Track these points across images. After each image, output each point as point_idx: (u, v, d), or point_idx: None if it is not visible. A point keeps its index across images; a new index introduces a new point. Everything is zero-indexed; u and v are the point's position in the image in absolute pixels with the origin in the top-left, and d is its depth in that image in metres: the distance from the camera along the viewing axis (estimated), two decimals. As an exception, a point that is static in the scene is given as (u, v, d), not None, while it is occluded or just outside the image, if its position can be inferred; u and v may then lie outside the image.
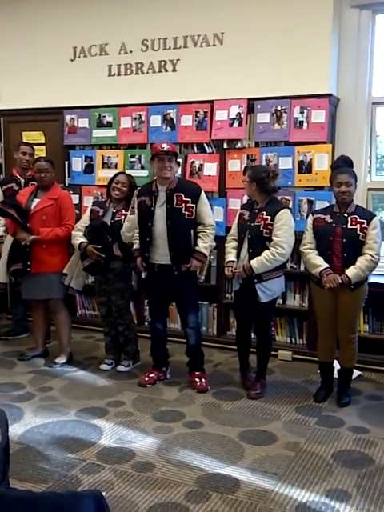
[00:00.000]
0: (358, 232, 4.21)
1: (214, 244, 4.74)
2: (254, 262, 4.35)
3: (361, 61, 5.32)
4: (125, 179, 4.98)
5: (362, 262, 4.20)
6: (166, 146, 4.54)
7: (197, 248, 4.57)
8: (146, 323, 6.08)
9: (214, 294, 5.78)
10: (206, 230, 4.61)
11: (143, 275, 4.85)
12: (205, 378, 4.84)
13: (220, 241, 5.02)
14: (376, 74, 5.40)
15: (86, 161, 6.22)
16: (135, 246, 4.75)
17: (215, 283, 5.77)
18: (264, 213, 4.41)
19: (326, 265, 4.27)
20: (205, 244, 4.58)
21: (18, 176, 5.81)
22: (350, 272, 4.19)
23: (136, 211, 4.73)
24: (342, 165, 4.41)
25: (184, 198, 4.55)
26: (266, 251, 4.34)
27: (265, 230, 4.37)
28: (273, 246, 4.34)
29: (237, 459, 3.58)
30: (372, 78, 5.40)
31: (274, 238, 4.34)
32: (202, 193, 4.66)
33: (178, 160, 4.94)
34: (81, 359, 5.46)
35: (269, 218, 4.37)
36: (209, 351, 5.40)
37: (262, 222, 4.39)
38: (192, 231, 4.59)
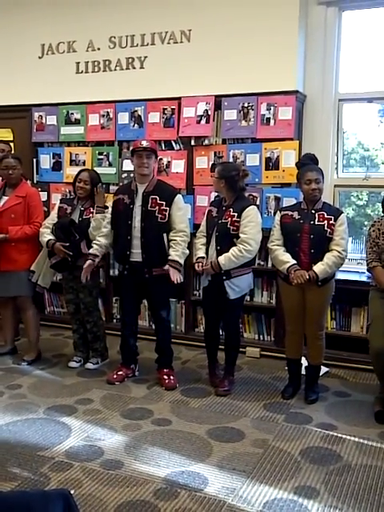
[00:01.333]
0: (326, 228, 4.24)
1: (187, 252, 4.68)
2: (222, 259, 4.36)
3: (327, 57, 5.36)
4: (86, 176, 4.95)
5: (329, 258, 4.24)
6: (144, 143, 4.54)
7: (170, 257, 4.55)
8: (115, 320, 6.08)
9: (183, 291, 5.78)
10: (177, 237, 4.57)
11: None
12: (173, 375, 4.85)
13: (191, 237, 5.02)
14: (342, 71, 5.44)
15: (54, 158, 6.18)
16: (92, 251, 4.71)
17: (183, 280, 5.76)
18: (231, 210, 4.42)
19: (294, 261, 4.30)
20: (177, 252, 4.55)
21: None
22: (318, 268, 4.22)
23: (111, 210, 4.71)
24: (309, 162, 4.43)
25: (158, 201, 4.55)
26: (234, 248, 4.35)
27: (232, 227, 4.38)
28: (240, 242, 4.35)
29: (205, 457, 3.59)
30: (338, 74, 5.44)
31: (241, 235, 4.36)
32: (178, 197, 4.64)
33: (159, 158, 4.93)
34: (49, 357, 5.43)
35: (236, 215, 4.39)
36: (177, 348, 5.41)
37: (230, 219, 4.40)
38: (165, 235, 4.58)
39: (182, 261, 4.59)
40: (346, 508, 3.07)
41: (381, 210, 4.32)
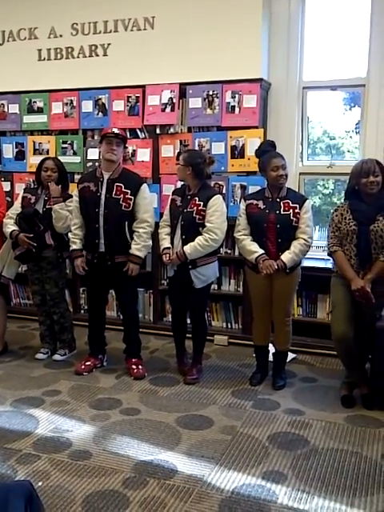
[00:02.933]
0: (291, 217, 4.26)
1: (149, 243, 4.68)
2: (188, 248, 4.36)
3: (291, 45, 5.36)
4: (52, 164, 4.89)
5: (296, 246, 4.26)
6: (115, 130, 4.53)
7: (130, 251, 4.54)
8: (82, 311, 6.04)
9: (150, 281, 5.76)
10: (140, 228, 4.56)
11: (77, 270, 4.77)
12: (141, 364, 4.84)
13: (155, 227, 4.99)
14: (306, 59, 5.45)
15: (16, 147, 6.10)
16: (75, 246, 4.67)
17: (151, 270, 5.76)
18: (196, 199, 4.41)
19: (262, 251, 4.31)
20: (138, 246, 4.55)
21: None
22: (285, 257, 4.25)
23: (76, 199, 4.66)
24: (271, 149, 4.44)
25: (123, 189, 4.52)
26: (199, 237, 4.35)
27: (198, 216, 4.38)
28: (206, 231, 4.35)
29: (174, 445, 3.60)
30: (303, 62, 5.44)
31: (207, 224, 4.35)
32: (144, 186, 4.62)
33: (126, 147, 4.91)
34: (16, 349, 5.39)
35: (201, 203, 4.38)
36: (145, 338, 5.40)
37: (195, 208, 4.39)
38: (127, 223, 4.56)
39: (142, 254, 4.59)
40: (313, 491, 3.11)
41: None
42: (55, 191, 4.82)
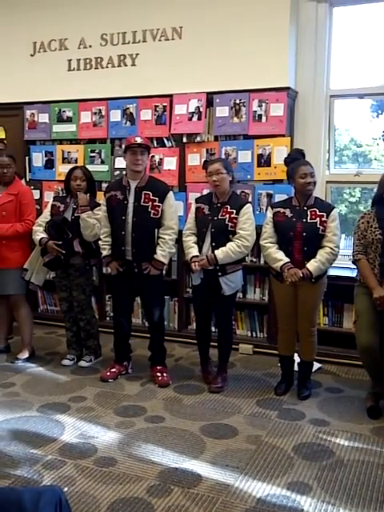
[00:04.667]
0: (318, 226, 4.25)
1: (174, 250, 4.75)
2: (219, 253, 4.37)
3: (318, 54, 5.36)
4: (81, 173, 4.93)
5: (322, 255, 4.25)
6: (139, 139, 4.54)
7: (155, 256, 4.58)
8: (108, 318, 6.08)
9: (176, 289, 5.78)
10: (165, 235, 4.60)
11: (105, 270, 4.81)
12: (166, 372, 4.86)
13: (181, 235, 5.00)
14: (334, 67, 5.45)
15: (46, 156, 6.17)
16: (105, 253, 4.72)
17: (176, 278, 5.78)
18: (228, 207, 4.43)
19: (287, 259, 4.30)
20: (163, 252, 4.59)
21: None
22: (311, 266, 4.23)
23: (105, 208, 4.71)
24: (299, 157, 4.44)
25: (151, 197, 4.55)
26: (231, 243, 4.37)
27: (230, 224, 4.40)
28: (238, 238, 4.37)
29: (198, 453, 3.61)
30: (330, 70, 5.44)
31: (239, 231, 4.38)
32: (170, 194, 4.65)
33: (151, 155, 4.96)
34: (43, 355, 5.44)
35: (234, 211, 4.40)
36: (170, 345, 5.41)
37: (227, 215, 4.41)
38: (156, 230, 4.60)
39: (165, 261, 4.64)
40: (339, 503, 3.09)
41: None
42: (83, 200, 4.86)
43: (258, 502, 3.09)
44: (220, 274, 4.44)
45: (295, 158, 4.44)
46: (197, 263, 4.46)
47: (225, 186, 4.47)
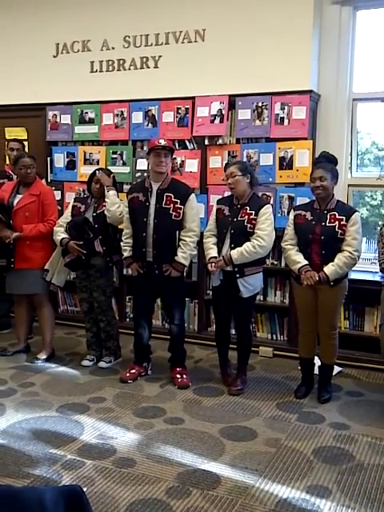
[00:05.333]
0: (337, 229, 4.23)
1: (195, 252, 4.78)
2: (234, 253, 4.37)
3: (341, 57, 5.35)
4: (102, 176, 4.97)
5: (340, 258, 4.22)
6: (163, 142, 4.56)
7: (176, 258, 4.58)
8: (128, 319, 6.09)
9: (196, 291, 5.79)
10: (187, 237, 4.60)
11: (126, 271, 4.83)
12: (186, 374, 4.86)
13: (201, 237, 5.00)
14: (356, 70, 5.43)
15: (68, 157, 6.21)
16: (126, 254, 4.74)
17: (196, 279, 5.78)
18: (247, 208, 4.43)
19: (305, 262, 4.29)
20: (184, 254, 4.59)
21: (10, 172, 5.78)
22: (328, 269, 4.21)
23: (127, 209, 4.72)
24: (322, 161, 4.43)
25: (173, 199, 4.56)
26: (247, 243, 4.37)
27: (249, 225, 4.39)
28: (254, 238, 4.36)
29: (217, 455, 3.60)
30: (353, 74, 5.43)
31: (256, 231, 4.37)
32: (192, 196, 4.65)
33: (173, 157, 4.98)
34: (62, 355, 5.45)
35: (253, 213, 4.40)
36: (190, 347, 5.41)
37: (246, 217, 4.41)
38: (178, 233, 4.60)
39: (186, 263, 4.64)
40: (359, 507, 3.07)
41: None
42: (107, 181, 4.90)
43: (277, 505, 3.07)
44: (238, 275, 4.43)
45: (319, 161, 4.43)
46: (214, 264, 4.47)
47: (240, 188, 4.47)
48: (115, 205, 4.85)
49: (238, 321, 4.71)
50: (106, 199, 4.88)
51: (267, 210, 4.42)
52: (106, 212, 4.87)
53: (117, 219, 4.88)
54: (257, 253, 4.37)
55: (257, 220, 4.39)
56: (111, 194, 4.88)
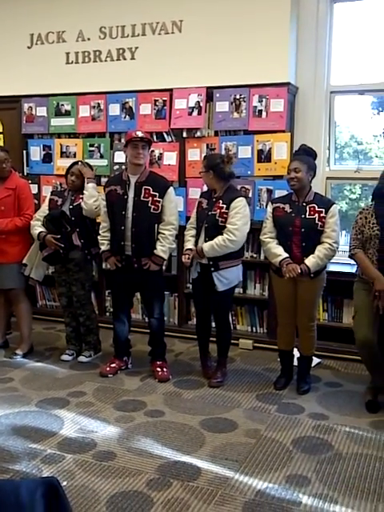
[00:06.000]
0: (317, 221, 4.24)
1: (174, 246, 4.77)
2: (206, 246, 4.38)
3: (319, 49, 5.35)
4: (78, 171, 4.94)
5: (320, 250, 4.24)
6: (140, 133, 4.54)
7: (155, 251, 4.57)
8: (108, 313, 6.07)
9: (175, 284, 5.78)
10: (165, 230, 4.59)
11: (105, 265, 4.81)
12: (166, 367, 4.85)
13: (181, 230, 4.99)
14: (334, 63, 5.43)
15: (44, 150, 6.15)
16: (104, 248, 4.71)
17: (176, 273, 5.77)
18: (220, 201, 4.43)
19: (286, 254, 4.30)
20: (163, 247, 4.58)
21: None
22: (309, 261, 4.23)
23: (104, 202, 4.70)
24: (301, 153, 4.44)
25: (152, 192, 4.54)
26: (218, 237, 4.36)
27: (220, 219, 4.39)
28: (225, 232, 4.35)
29: (198, 447, 3.61)
30: (330, 66, 5.42)
31: (227, 226, 4.36)
32: (170, 189, 4.64)
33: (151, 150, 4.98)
34: (42, 350, 5.43)
35: (224, 206, 4.40)
36: (170, 341, 5.41)
37: (218, 210, 4.41)
38: (156, 226, 4.59)
39: (165, 256, 4.63)
40: (337, 495, 3.09)
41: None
42: (88, 173, 4.87)
43: (256, 495, 3.09)
44: (213, 269, 4.43)
45: (297, 154, 4.46)
46: (187, 256, 4.50)
47: (207, 182, 4.56)
48: (93, 198, 4.82)
49: (215, 314, 4.72)
50: (84, 191, 4.85)
51: (238, 204, 4.39)
52: (82, 204, 4.84)
53: (92, 212, 4.86)
54: (227, 247, 4.36)
55: (228, 214, 4.39)
56: (90, 187, 4.85)
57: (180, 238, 5.02)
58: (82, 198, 4.86)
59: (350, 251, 4.19)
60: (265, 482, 3.21)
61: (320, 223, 4.25)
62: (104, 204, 4.70)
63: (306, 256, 4.26)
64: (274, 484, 3.20)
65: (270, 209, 4.47)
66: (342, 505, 3.01)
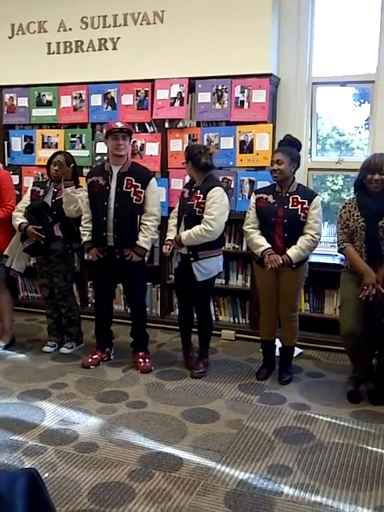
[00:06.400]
0: (299, 212, 4.26)
1: (156, 236, 4.76)
2: (183, 235, 4.39)
3: (301, 40, 5.34)
4: (62, 159, 4.88)
5: (302, 241, 4.25)
6: (119, 124, 4.51)
7: (137, 242, 4.56)
8: (90, 305, 6.05)
9: (158, 275, 5.77)
10: (148, 221, 4.58)
11: (86, 256, 4.79)
12: (149, 358, 4.85)
13: (163, 221, 4.98)
14: (316, 54, 5.43)
15: (25, 140, 6.10)
16: (85, 238, 4.69)
17: (159, 264, 5.77)
18: (198, 191, 4.43)
19: (268, 245, 4.31)
20: (145, 238, 4.57)
21: None
22: (291, 252, 4.24)
23: (86, 193, 4.67)
24: (285, 144, 4.44)
25: (134, 183, 4.53)
26: (196, 226, 4.36)
27: (198, 209, 4.39)
28: (203, 222, 4.35)
29: (180, 438, 3.61)
30: (312, 57, 5.42)
31: (204, 216, 4.36)
32: (153, 180, 4.63)
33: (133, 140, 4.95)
34: (23, 342, 5.40)
35: (201, 196, 4.40)
36: (153, 332, 5.40)
37: (196, 200, 4.41)
38: (139, 216, 4.57)
39: (148, 247, 4.62)
40: (319, 485, 3.11)
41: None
42: (66, 174, 4.79)
43: (238, 485, 3.10)
44: (192, 259, 4.44)
45: (281, 145, 4.47)
46: (167, 246, 4.51)
47: (188, 172, 4.58)
48: (72, 204, 4.78)
49: (196, 304, 4.72)
50: (63, 197, 4.82)
51: (215, 193, 4.38)
52: (63, 206, 4.81)
53: (74, 216, 4.84)
54: (204, 237, 4.36)
55: (205, 203, 4.39)
56: (68, 192, 4.78)
57: (162, 228, 5.00)
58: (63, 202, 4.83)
59: (338, 246, 4.19)
60: (246, 472, 3.23)
61: (302, 214, 4.26)
62: (86, 195, 4.68)
63: (288, 247, 4.27)
64: (255, 474, 3.21)
65: (253, 199, 4.47)
66: (323, 494, 3.03)
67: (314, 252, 4.52)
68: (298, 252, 4.24)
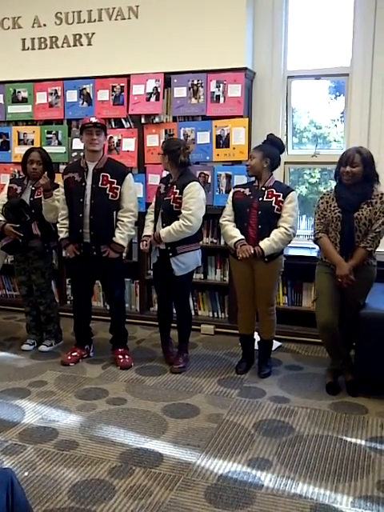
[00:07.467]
0: (273, 205, 4.28)
1: (133, 233, 4.76)
2: (163, 232, 4.40)
3: (276, 34, 5.36)
4: (37, 157, 4.86)
5: (275, 234, 4.27)
6: (93, 119, 4.49)
7: (114, 239, 4.55)
8: (69, 302, 6.03)
9: (136, 271, 5.77)
10: (124, 217, 4.57)
11: (64, 253, 4.78)
12: (128, 354, 4.85)
13: (141, 217, 4.97)
14: (290, 48, 5.45)
15: (1, 137, 6.06)
16: (62, 235, 4.67)
17: (137, 260, 5.76)
18: (174, 186, 4.44)
19: (241, 236, 4.33)
20: (122, 235, 4.57)
21: None
22: (264, 244, 4.26)
23: (62, 189, 4.65)
24: (265, 142, 4.47)
25: (110, 179, 4.51)
26: (175, 222, 4.37)
27: (175, 204, 4.40)
28: (181, 217, 4.36)
29: (160, 433, 3.62)
30: (287, 51, 5.44)
31: (182, 211, 4.37)
32: (129, 175, 4.62)
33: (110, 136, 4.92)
34: (2, 340, 5.37)
35: (178, 191, 4.40)
36: (132, 328, 5.41)
37: (172, 196, 4.41)
38: (115, 213, 4.56)
39: (124, 243, 4.62)
40: (299, 477, 3.14)
41: (332, 186, 4.34)
42: (46, 185, 4.72)
43: (219, 479, 3.12)
44: (171, 254, 4.44)
45: (262, 143, 4.50)
46: (145, 242, 4.53)
47: (164, 165, 4.57)
48: (51, 212, 4.77)
49: (175, 299, 4.73)
50: (42, 204, 4.78)
51: (191, 188, 4.39)
52: (43, 212, 4.78)
53: (53, 222, 4.83)
54: (184, 232, 4.37)
55: (182, 199, 4.40)
56: (48, 202, 4.74)
57: (140, 224, 5.00)
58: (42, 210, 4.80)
59: (314, 236, 4.23)
60: (227, 467, 3.24)
61: (277, 206, 4.28)
62: (62, 192, 4.66)
63: (261, 239, 4.28)
64: (235, 468, 3.23)
65: (231, 193, 4.51)
66: (303, 486, 3.05)
67: (291, 245, 4.55)
68: (271, 244, 4.25)
